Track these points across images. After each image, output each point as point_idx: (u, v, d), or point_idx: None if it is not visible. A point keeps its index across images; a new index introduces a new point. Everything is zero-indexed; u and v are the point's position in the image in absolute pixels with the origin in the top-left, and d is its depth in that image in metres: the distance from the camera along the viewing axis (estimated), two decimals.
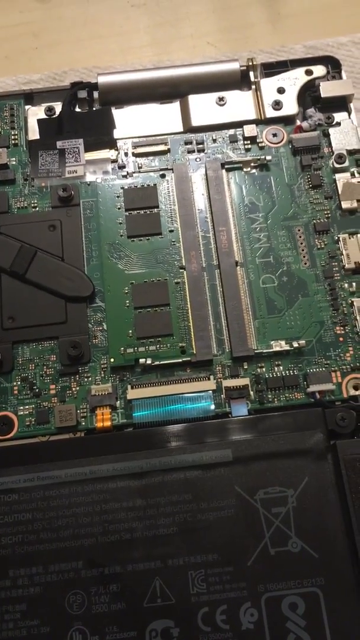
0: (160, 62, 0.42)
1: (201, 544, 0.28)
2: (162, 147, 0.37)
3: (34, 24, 0.44)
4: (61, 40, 0.44)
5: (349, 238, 0.34)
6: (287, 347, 0.32)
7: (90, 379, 0.32)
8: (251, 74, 0.38)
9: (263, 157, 0.36)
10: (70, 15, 0.45)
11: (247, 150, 0.37)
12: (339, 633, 0.27)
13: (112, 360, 0.32)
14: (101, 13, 0.45)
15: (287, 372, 0.32)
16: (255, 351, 0.32)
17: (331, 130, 0.37)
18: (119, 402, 0.32)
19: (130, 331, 0.33)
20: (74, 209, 0.35)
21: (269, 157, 0.36)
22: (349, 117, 0.37)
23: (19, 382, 0.32)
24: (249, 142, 0.37)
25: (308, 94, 0.38)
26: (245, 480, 0.29)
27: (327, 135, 0.37)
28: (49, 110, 0.38)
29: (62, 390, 0.32)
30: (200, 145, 0.37)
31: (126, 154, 0.37)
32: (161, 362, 0.32)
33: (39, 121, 0.37)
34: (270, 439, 0.30)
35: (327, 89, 0.37)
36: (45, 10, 0.44)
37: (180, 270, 0.34)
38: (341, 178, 0.36)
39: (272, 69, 0.39)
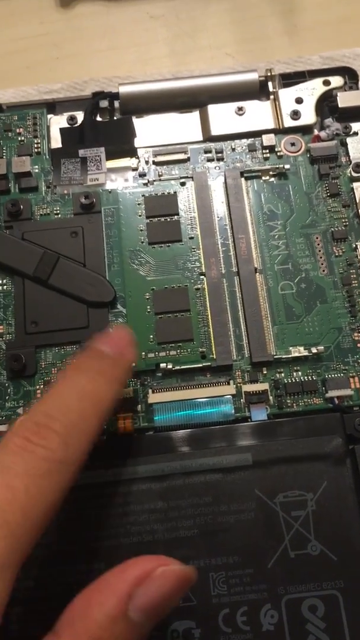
0: (179, 72, 0.43)
1: (222, 546, 0.29)
2: (182, 156, 0.37)
3: (55, 34, 0.45)
4: (81, 51, 0.44)
5: None
6: (305, 353, 0.33)
7: None
8: (270, 84, 0.39)
9: (281, 165, 0.37)
10: (91, 26, 0.45)
11: (266, 159, 0.37)
12: (359, 635, 0.27)
13: (133, 364, 0.33)
14: (121, 24, 0.45)
15: (305, 377, 0.33)
16: (275, 357, 0.33)
17: (348, 140, 0.37)
18: (140, 406, 0.32)
19: (151, 336, 0.33)
20: (95, 216, 0.36)
21: (287, 166, 0.37)
22: None
23: (42, 386, 0.33)
24: (267, 151, 0.37)
25: (326, 104, 0.39)
26: (265, 484, 0.30)
27: (344, 144, 0.37)
28: (71, 119, 0.38)
29: None
30: (220, 154, 0.38)
31: (147, 162, 0.37)
32: (182, 367, 0.33)
33: (62, 130, 0.38)
34: (289, 443, 0.30)
35: (345, 99, 0.38)
36: (65, 22, 0.45)
37: (201, 277, 0.35)
38: (359, 187, 0.36)
39: (290, 79, 0.39)
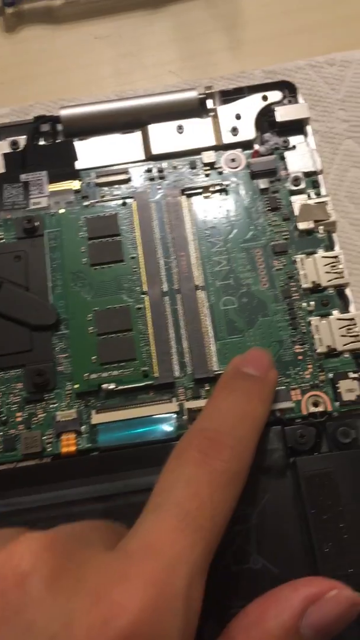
0: (123, 92, 0.43)
1: None
2: (123, 176, 0.38)
3: (0, 59, 0.45)
4: (27, 75, 0.45)
5: (306, 258, 0.35)
6: None
7: (55, 405, 0.33)
8: (209, 101, 0.39)
9: (222, 182, 0.37)
10: (36, 49, 0.46)
11: (207, 175, 0.38)
12: None
13: (76, 386, 0.33)
14: (66, 47, 0.46)
15: None
16: (216, 372, 0.33)
17: (287, 154, 0.38)
18: (84, 427, 0.33)
19: (94, 357, 0.34)
20: (38, 240, 0.36)
21: (227, 182, 0.37)
22: (305, 140, 0.38)
23: None
24: (208, 167, 0.38)
25: (265, 119, 0.39)
26: None
27: (283, 158, 0.38)
28: (14, 144, 0.39)
29: (29, 417, 0.33)
30: (161, 173, 0.38)
31: (89, 184, 0.38)
32: (124, 387, 0.33)
33: (4, 155, 0.38)
34: None
35: (283, 114, 0.38)
36: (11, 46, 0.46)
37: (142, 296, 0.35)
38: (298, 200, 0.37)
39: (230, 95, 0.40)
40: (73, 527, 0.25)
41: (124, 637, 0.19)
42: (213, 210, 0.37)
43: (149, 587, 0.20)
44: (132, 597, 0.20)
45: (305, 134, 0.39)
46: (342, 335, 0.33)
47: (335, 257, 0.35)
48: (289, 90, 0.40)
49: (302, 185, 0.37)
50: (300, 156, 0.38)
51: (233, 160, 0.38)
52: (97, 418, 0.32)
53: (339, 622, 0.23)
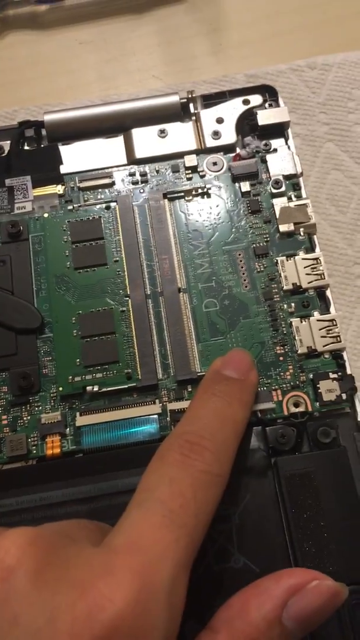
0: (108, 97, 0.44)
1: None
2: (107, 180, 0.38)
3: None
4: (12, 80, 0.45)
5: (287, 260, 0.36)
6: None
7: (40, 408, 0.33)
8: (191, 105, 0.40)
9: (204, 185, 0.38)
10: (21, 55, 0.46)
11: (189, 179, 0.38)
12: None
13: (60, 389, 0.34)
14: (51, 52, 0.46)
15: None
16: (199, 374, 0.34)
17: (268, 157, 0.38)
18: (68, 429, 0.33)
19: (78, 360, 0.34)
20: (23, 244, 0.37)
21: (209, 186, 0.38)
22: (286, 144, 0.39)
23: None
24: (190, 171, 0.38)
25: (246, 123, 0.40)
26: None
27: (264, 161, 0.38)
28: None
29: (14, 420, 0.33)
30: (144, 177, 0.38)
31: (73, 189, 0.38)
32: (108, 389, 0.33)
33: None
34: None
35: (264, 117, 0.39)
36: None
37: (125, 299, 0.35)
38: (278, 202, 0.37)
39: (212, 99, 0.40)
40: (59, 525, 0.25)
41: (109, 630, 0.20)
42: (195, 213, 0.37)
43: (134, 580, 0.21)
44: (117, 590, 0.20)
45: (286, 137, 0.39)
46: (322, 336, 0.34)
47: (316, 259, 0.35)
48: (270, 94, 0.40)
49: (283, 188, 0.37)
50: (281, 159, 0.38)
51: (215, 163, 0.39)
52: (81, 420, 0.33)
53: (320, 612, 0.24)
